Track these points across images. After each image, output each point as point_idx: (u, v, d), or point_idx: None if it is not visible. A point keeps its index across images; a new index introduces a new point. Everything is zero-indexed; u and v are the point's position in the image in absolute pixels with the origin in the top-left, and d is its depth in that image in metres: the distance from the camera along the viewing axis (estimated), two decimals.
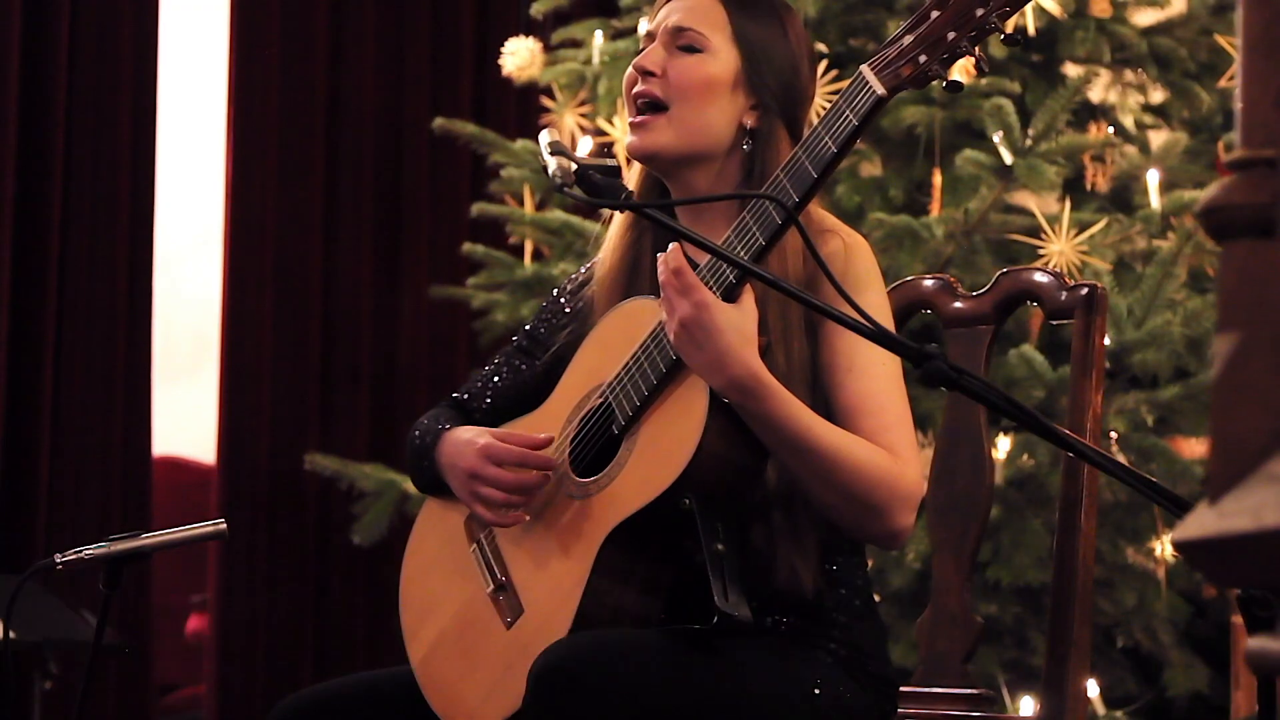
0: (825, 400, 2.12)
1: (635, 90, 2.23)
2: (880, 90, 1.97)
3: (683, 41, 2.21)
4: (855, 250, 2.16)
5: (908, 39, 1.97)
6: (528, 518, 2.16)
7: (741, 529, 2.09)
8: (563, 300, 2.36)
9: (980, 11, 1.93)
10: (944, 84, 1.98)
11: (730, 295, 2.03)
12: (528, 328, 2.37)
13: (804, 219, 2.12)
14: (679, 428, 2.04)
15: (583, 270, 2.36)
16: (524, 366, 2.34)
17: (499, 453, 2.15)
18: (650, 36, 2.25)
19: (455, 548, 2.26)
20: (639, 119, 2.21)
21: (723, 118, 2.20)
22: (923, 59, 1.96)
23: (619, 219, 2.30)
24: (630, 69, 2.25)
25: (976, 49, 1.95)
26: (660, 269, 2.01)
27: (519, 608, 2.14)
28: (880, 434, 2.07)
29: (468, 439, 2.20)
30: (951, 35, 1.94)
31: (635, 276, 2.25)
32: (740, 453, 2.05)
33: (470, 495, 2.19)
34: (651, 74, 2.21)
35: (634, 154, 2.23)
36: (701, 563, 2.00)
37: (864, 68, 2.00)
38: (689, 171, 2.22)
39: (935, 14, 1.95)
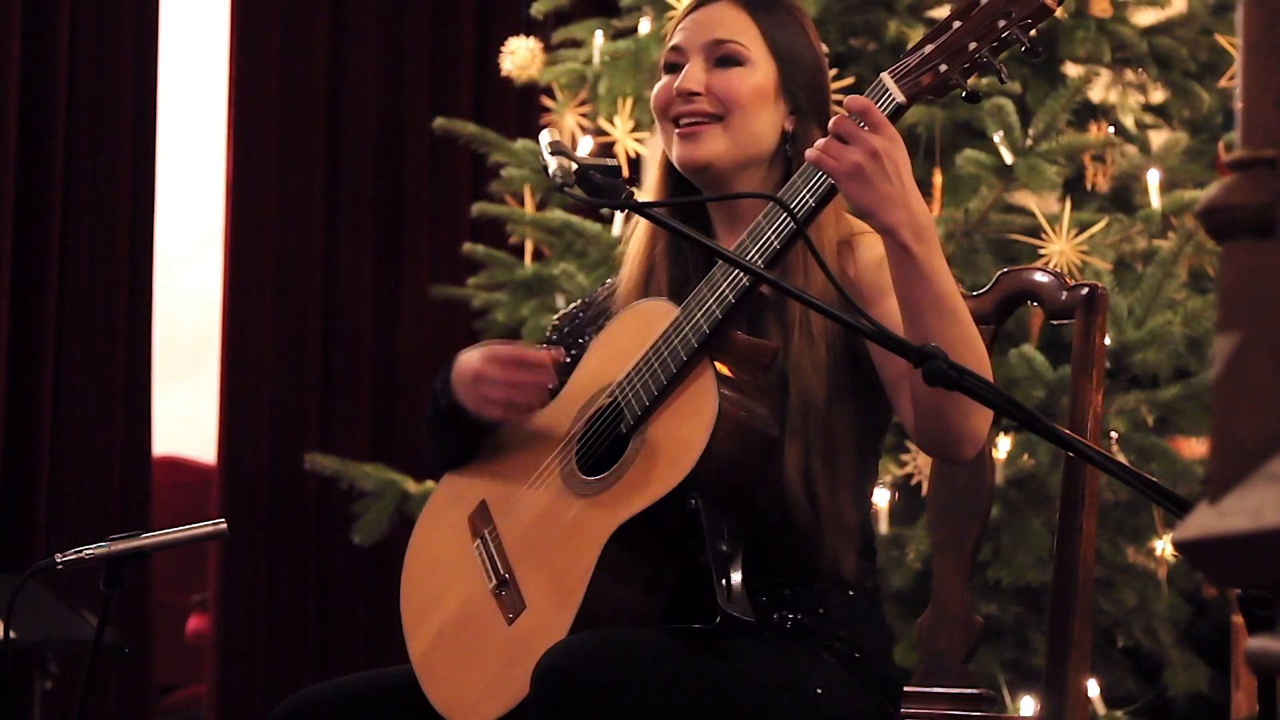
0: (853, 398, 2.14)
1: (682, 109, 2.22)
2: (900, 98, 1.99)
3: (722, 54, 2.22)
4: None
5: (929, 47, 1.98)
6: (531, 415, 2.17)
7: (787, 513, 2.10)
8: (595, 304, 2.37)
9: (1002, 23, 1.94)
10: (963, 94, 1.99)
11: (744, 297, 2.04)
12: (564, 328, 2.39)
13: (839, 224, 2.14)
14: (687, 428, 2.04)
15: (609, 282, 2.38)
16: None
17: (500, 353, 2.17)
18: (679, 53, 2.25)
19: (458, 544, 2.26)
20: (691, 128, 2.21)
21: (769, 126, 2.22)
22: (943, 68, 1.97)
23: (642, 226, 2.30)
24: (662, 90, 2.24)
25: (999, 60, 1.96)
26: (841, 115, 1.97)
27: (521, 604, 2.14)
28: None
29: (474, 354, 2.23)
30: (973, 45, 1.95)
31: (653, 282, 2.26)
32: (748, 455, 2.06)
33: (478, 399, 2.20)
34: (696, 94, 2.21)
35: (687, 165, 2.22)
36: (706, 563, 2.00)
37: (884, 75, 2.01)
38: (734, 181, 2.23)
39: (957, 24, 1.96)
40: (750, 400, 2.07)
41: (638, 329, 2.16)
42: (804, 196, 2.02)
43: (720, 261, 2.07)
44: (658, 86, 2.26)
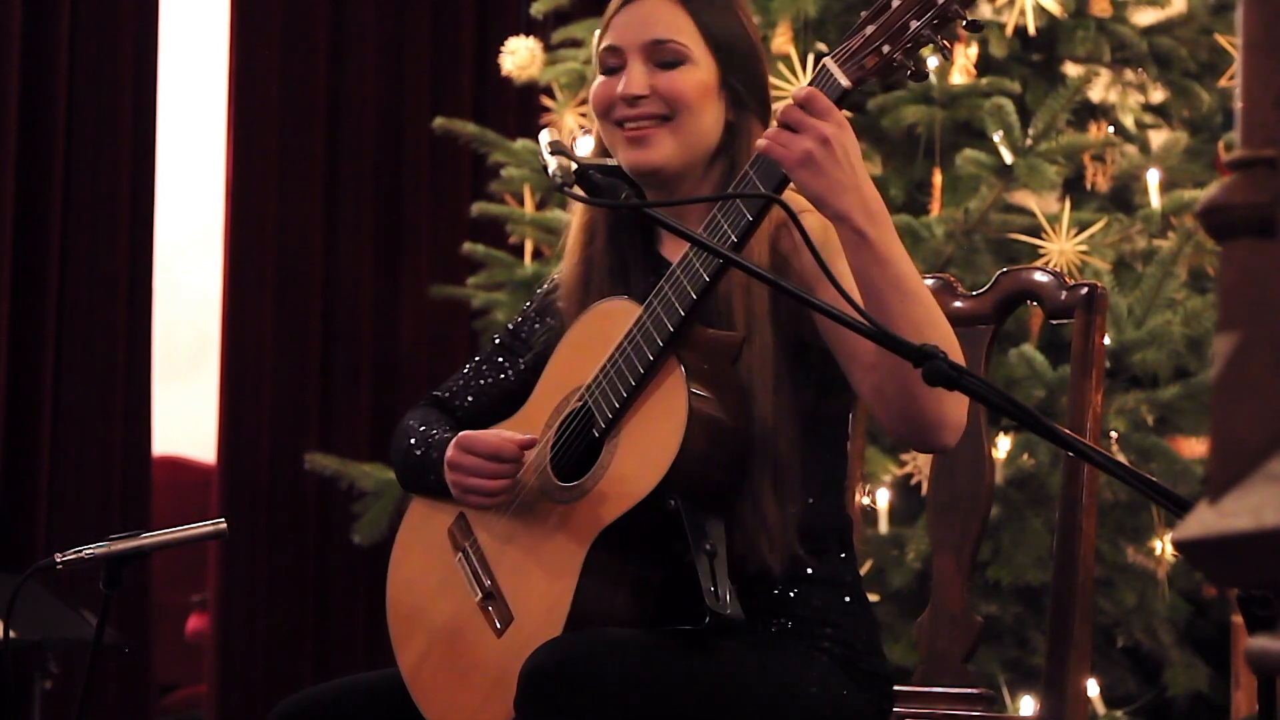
0: (794, 391, 2.11)
1: (629, 113, 2.19)
2: (845, 82, 1.97)
3: (664, 56, 2.18)
4: (832, 231, 2.15)
5: (870, 28, 1.96)
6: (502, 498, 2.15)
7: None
8: (544, 300, 2.35)
9: None
10: (909, 74, 1.98)
11: (706, 291, 2.03)
12: (510, 327, 2.37)
13: (774, 211, 2.11)
14: (661, 429, 2.03)
15: (554, 277, 2.35)
16: (506, 365, 2.34)
17: (472, 442, 2.15)
18: (615, 54, 2.21)
19: (440, 557, 2.25)
20: (639, 132, 2.18)
21: (714, 122, 2.20)
22: (886, 48, 1.96)
23: (578, 220, 2.29)
24: (602, 90, 2.21)
25: (941, 37, 1.95)
26: (788, 104, 1.97)
27: (509, 616, 2.13)
28: None
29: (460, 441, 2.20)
30: (914, 24, 1.94)
31: (593, 278, 2.24)
32: (723, 451, 2.04)
33: (456, 489, 2.18)
34: (641, 96, 2.18)
35: (637, 169, 2.19)
36: (691, 563, 1.99)
37: (827, 60, 1.99)
38: (683, 178, 2.21)
39: (896, 2, 1.95)
40: (721, 395, 2.05)
41: (601, 329, 2.14)
42: (760, 188, 2.01)
43: (680, 258, 2.06)
44: (595, 86, 2.22)
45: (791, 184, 2.01)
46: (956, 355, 1.93)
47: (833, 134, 1.94)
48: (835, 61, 1.98)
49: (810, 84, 2.00)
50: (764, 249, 2.12)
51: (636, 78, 2.18)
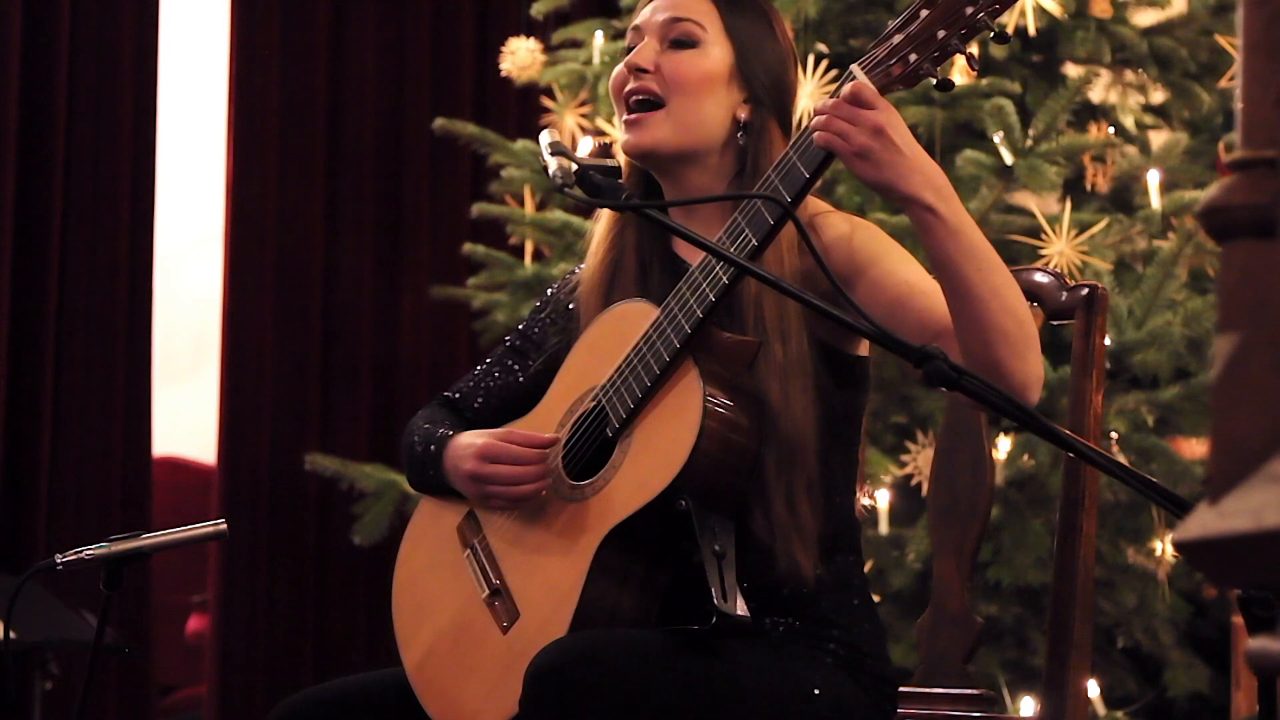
0: (820, 393, 2.11)
1: (629, 88, 2.22)
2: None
3: (676, 34, 2.21)
4: (859, 227, 2.15)
5: (898, 37, 1.97)
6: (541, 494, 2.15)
7: (742, 520, 2.08)
8: (556, 301, 2.35)
9: (970, 9, 1.93)
10: (934, 82, 1.98)
11: (724, 295, 2.04)
12: (520, 328, 2.37)
13: (798, 212, 2.12)
14: (674, 430, 2.03)
15: (576, 270, 2.35)
16: (516, 367, 2.34)
17: (496, 451, 2.15)
18: (638, 32, 2.24)
19: (448, 554, 2.25)
20: (634, 116, 2.21)
21: (718, 111, 2.20)
22: (913, 57, 1.96)
23: (605, 221, 2.29)
24: (620, 67, 2.24)
25: (968, 47, 1.95)
26: (836, 100, 1.96)
27: (515, 612, 2.13)
28: None
29: (468, 442, 2.20)
30: (942, 33, 1.94)
31: (618, 278, 2.25)
32: (735, 454, 2.05)
33: (478, 496, 2.19)
34: (645, 71, 2.21)
35: (631, 151, 2.22)
36: (699, 563, 1.99)
37: (854, 66, 2.00)
38: (684, 167, 2.22)
39: (925, 12, 1.95)
40: (735, 399, 2.06)
41: (618, 331, 2.14)
42: (782, 194, 2.01)
43: (699, 260, 2.06)
44: (616, 69, 2.26)
45: (822, 176, 2.01)
46: (1028, 315, 1.96)
47: (885, 121, 1.94)
48: (862, 68, 1.98)
49: (838, 91, 2.00)
50: (793, 256, 2.12)
51: (646, 53, 2.22)
